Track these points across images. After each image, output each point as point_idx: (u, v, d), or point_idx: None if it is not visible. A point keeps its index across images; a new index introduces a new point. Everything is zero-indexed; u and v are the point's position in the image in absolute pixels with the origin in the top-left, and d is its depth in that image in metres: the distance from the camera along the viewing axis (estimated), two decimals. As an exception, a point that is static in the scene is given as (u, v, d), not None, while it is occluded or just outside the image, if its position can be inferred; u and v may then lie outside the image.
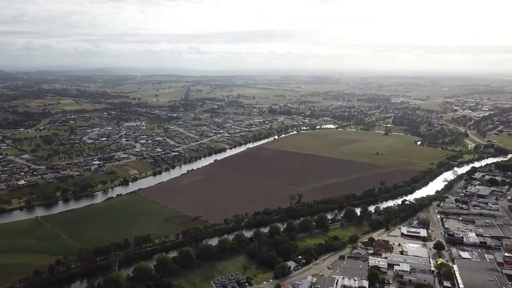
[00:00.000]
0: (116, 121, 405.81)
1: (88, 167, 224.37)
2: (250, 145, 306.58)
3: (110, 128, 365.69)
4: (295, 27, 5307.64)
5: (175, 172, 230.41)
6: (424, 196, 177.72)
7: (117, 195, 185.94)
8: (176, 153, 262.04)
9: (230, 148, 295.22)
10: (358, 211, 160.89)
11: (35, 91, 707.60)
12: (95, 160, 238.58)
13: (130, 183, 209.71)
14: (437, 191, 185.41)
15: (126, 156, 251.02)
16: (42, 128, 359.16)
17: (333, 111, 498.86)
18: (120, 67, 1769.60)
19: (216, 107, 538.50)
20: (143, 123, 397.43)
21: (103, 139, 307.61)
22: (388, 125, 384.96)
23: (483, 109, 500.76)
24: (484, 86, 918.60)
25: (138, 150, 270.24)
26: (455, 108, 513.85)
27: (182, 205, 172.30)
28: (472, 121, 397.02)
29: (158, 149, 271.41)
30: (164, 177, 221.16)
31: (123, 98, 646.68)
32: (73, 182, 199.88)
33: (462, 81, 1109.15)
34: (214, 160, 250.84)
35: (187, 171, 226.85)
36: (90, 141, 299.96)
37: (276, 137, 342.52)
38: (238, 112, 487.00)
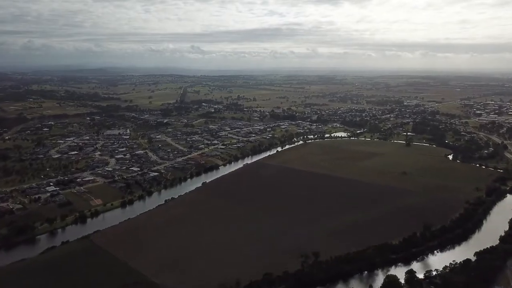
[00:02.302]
0: (97, 129, 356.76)
1: (38, 195, 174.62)
2: (248, 160, 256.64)
3: (87, 137, 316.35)
4: (300, 26, 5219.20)
5: (151, 202, 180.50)
6: (488, 247, 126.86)
7: (62, 242, 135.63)
8: (156, 173, 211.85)
9: (224, 165, 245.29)
10: (400, 273, 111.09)
11: (21, 93, 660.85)
12: (50, 185, 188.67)
13: (89, 220, 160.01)
14: (502, 238, 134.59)
15: (92, 178, 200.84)
16: (8, 137, 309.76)
17: (343, 115, 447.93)
18: (121, 67, 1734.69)
19: (212, 110, 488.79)
20: (128, 131, 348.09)
21: (73, 153, 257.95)
22: (408, 133, 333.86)
23: (509, 113, 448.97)
24: (498, 87, 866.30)
25: (110, 168, 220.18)
26: (478, 112, 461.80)
27: (148, 261, 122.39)
28: (505, 129, 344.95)
29: (135, 168, 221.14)
30: (136, 209, 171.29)
31: (114, 100, 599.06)
32: (10, 221, 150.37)
33: (473, 80, 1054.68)
34: (203, 183, 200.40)
35: (166, 200, 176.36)
36: (57, 155, 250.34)
37: (279, 148, 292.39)
38: (236, 117, 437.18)
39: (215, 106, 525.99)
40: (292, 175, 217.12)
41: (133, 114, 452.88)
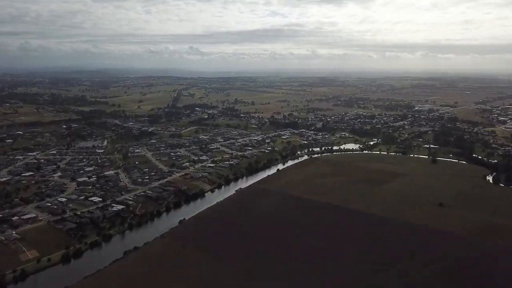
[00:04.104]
0: (70, 140, 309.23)
1: None
2: (243, 183, 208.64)
3: (54, 151, 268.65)
4: (302, 27, 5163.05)
5: (107, 252, 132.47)
6: None
7: None
8: (122, 206, 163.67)
9: (212, 190, 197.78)
10: None
11: (3, 96, 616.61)
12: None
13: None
14: None
15: (34, 215, 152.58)
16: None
17: (351, 122, 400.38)
18: (119, 68, 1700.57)
19: (206, 117, 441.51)
20: (105, 143, 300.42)
21: (27, 174, 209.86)
22: (431, 146, 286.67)
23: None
24: (509, 89, 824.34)
25: (64, 199, 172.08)
26: (501, 118, 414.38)
27: None
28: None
29: (96, 198, 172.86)
30: (83, 265, 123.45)
31: (101, 104, 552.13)
32: None
33: (480, 82, 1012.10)
34: (180, 222, 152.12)
35: (126, 252, 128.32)
36: (6, 178, 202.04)
37: (280, 165, 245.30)
38: (232, 124, 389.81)
39: (209, 112, 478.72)
40: (297, 207, 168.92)
41: (116, 121, 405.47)
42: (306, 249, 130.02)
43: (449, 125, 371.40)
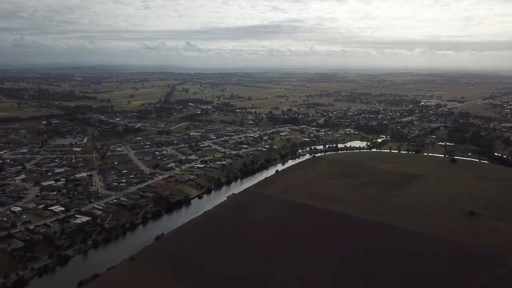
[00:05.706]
0: (46, 137, 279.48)
1: None
2: (236, 187, 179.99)
3: (26, 150, 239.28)
4: (302, 24, 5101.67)
5: (59, 280, 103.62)
6: None
7: None
8: (87, 218, 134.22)
9: (200, 196, 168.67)
10: None
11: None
12: None
13: None
14: None
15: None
16: None
17: (355, 118, 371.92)
18: (116, 65, 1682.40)
19: (199, 112, 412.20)
20: (85, 140, 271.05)
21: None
22: (446, 144, 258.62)
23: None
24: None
25: (19, 208, 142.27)
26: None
27: None
28: None
29: (57, 207, 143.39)
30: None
31: (89, 99, 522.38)
32: None
33: (482, 78, 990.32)
34: (157, 238, 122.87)
35: (81, 282, 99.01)
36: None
37: (279, 166, 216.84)
38: (226, 120, 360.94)
39: (202, 107, 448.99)
40: (300, 217, 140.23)
41: (102, 117, 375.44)
42: (310, 269, 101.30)
43: (461, 121, 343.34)
